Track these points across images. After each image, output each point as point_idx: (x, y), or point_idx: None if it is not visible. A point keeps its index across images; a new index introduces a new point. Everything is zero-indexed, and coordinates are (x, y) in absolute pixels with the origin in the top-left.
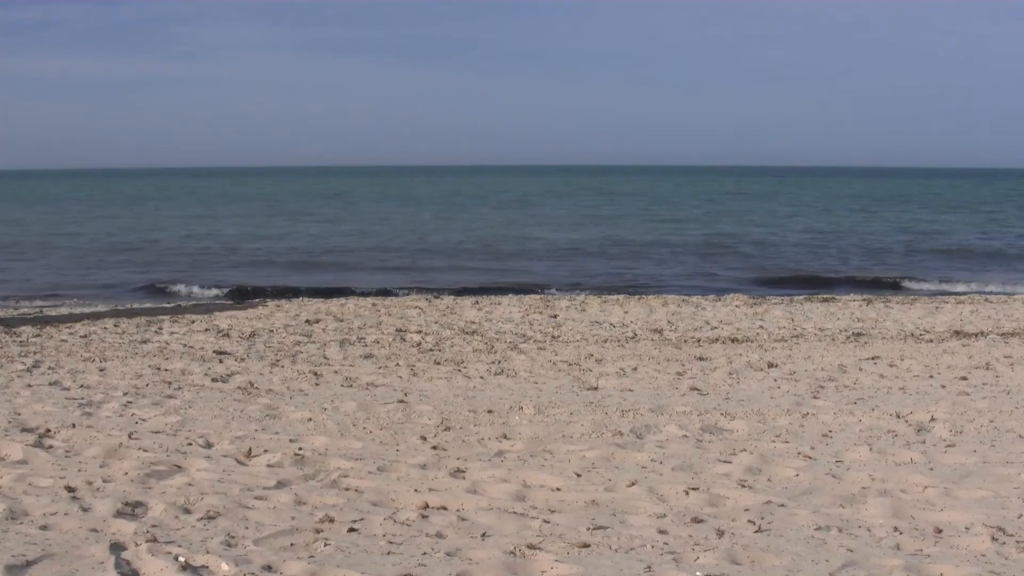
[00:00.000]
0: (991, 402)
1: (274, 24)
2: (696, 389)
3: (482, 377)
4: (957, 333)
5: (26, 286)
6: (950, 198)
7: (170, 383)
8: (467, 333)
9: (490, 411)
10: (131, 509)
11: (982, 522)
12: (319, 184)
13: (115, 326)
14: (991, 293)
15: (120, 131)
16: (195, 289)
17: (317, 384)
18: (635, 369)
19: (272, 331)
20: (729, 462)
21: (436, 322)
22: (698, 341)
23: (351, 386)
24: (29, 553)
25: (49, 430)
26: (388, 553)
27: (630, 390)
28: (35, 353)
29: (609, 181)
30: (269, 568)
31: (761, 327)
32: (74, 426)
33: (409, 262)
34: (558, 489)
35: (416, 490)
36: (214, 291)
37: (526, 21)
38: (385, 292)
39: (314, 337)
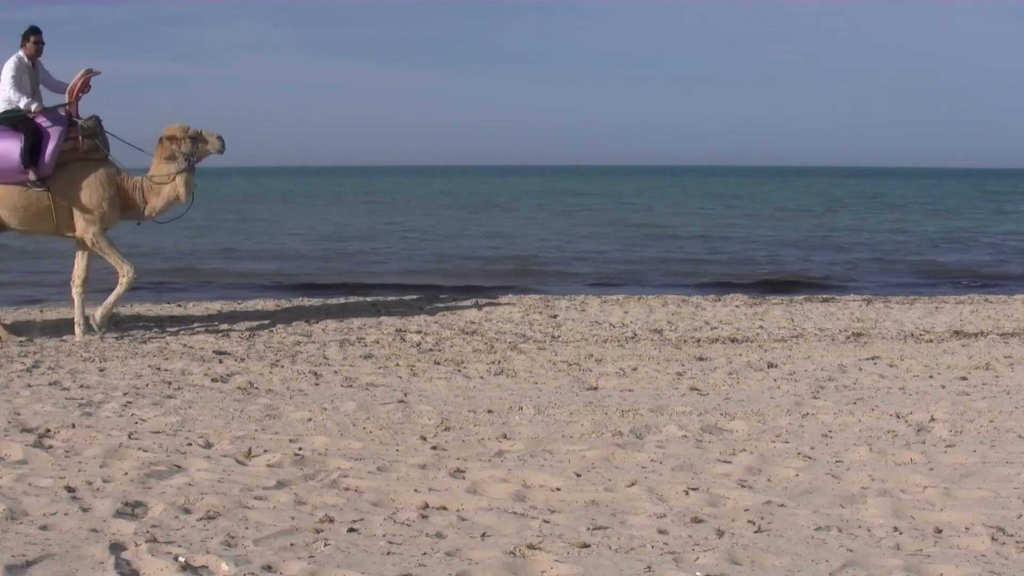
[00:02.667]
0: (991, 402)
1: (275, 24)
2: (696, 389)
3: (482, 377)
4: (957, 333)
5: None
6: (890, 198)
7: (170, 383)
8: (467, 333)
9: (490, 411)
10: (131, 509)
11: (982, 522)
12: (293, 185)
13: (115, 326)
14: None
15: (120, 132)
16: None
17: (317, 384)
18: (635, 369)
19: (272, 331)
20: (729, 462)
21: (436, 322)
22: (698, 341)
23: (351, 386)
24: (29, 553)
25: (49, 430)
26: (388, 553)
27: (630, 390)
28: (35, 353)
29: (598, 181)
30: (269, 568)
31: (761, 327)
32: (74, 426)
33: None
34: (558, 489)
35: (416, 490)
36: None
37: (536, 21)
38: (384, 292)
39: (314, 337)
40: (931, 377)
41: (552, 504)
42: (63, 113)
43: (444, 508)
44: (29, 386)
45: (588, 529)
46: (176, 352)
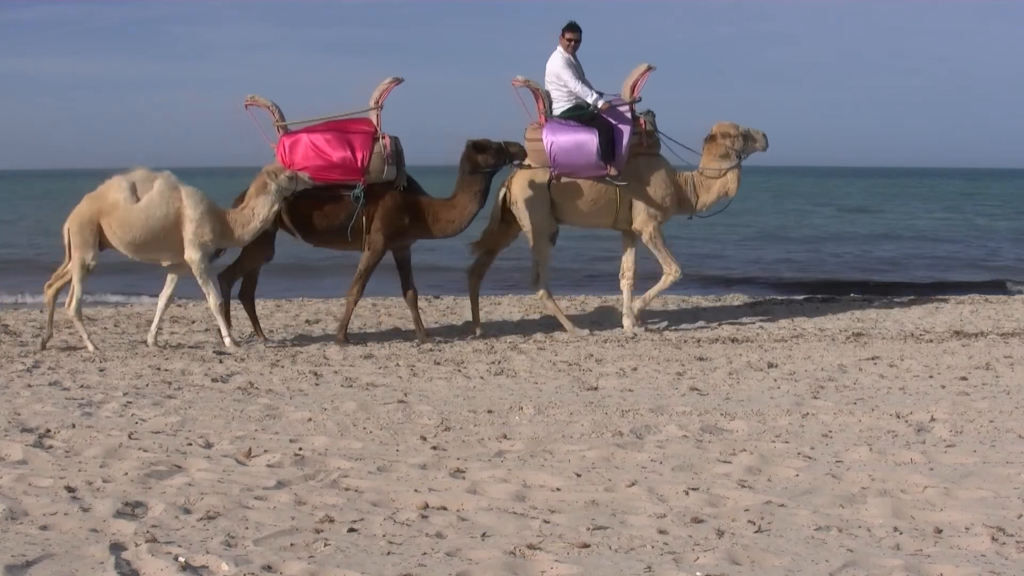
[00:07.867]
0: (991, 402)
1: (275, 24)
2: (696, 389)
3: (482, 377)
4: (957, 333)
5: None
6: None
7: (170, 383)
8: (467, 333)
9: (490, 411)
10: (131, 509)
11: (982, 522)
12: None
13: (115, 326)
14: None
15: (121, 132)
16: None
17: (317, 384)
18: (635, 369)
19: (272, 331)
20: (729, 462)
21: (436, 322)
22: (698, 341)
23: (351, 386)
24: (29, 553)
25: (49, 430)
26: (388, 553)
27: (630, 390)
28: (35, 353)
29: None
30: (269, 568)
31: (761, 327)
32: (74, 426)
33: None
34: (558, 489)
35: (416, 490)
36: None
37: (538, 21)
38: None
39: (314, 337)
40: (931, 377)
41: (552, 504)
42: (626, 108)
43: (444, 508)
44: (29, 386)
45: (588, 529)
46: (176, 352)
